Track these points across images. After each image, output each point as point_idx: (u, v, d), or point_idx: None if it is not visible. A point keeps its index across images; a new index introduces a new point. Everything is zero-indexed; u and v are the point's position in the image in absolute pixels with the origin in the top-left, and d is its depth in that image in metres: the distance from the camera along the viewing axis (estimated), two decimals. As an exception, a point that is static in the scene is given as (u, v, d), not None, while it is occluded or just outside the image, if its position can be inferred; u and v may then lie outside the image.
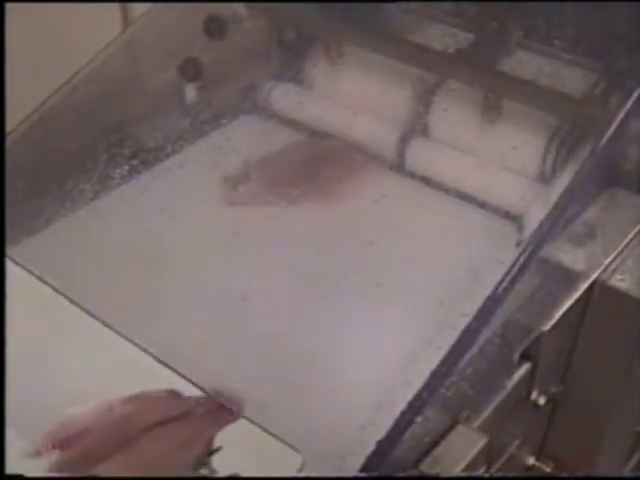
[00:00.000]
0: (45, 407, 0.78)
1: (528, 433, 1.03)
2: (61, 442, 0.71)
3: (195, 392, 0.78)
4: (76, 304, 0.86)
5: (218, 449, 0.72)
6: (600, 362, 1.01)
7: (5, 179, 0.89)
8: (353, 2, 1.13)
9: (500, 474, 0.96)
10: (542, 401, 0.98)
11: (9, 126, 1.01)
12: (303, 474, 0.71)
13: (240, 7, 1.16)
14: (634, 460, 1.28)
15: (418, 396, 0.73)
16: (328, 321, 0.88)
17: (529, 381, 0.94)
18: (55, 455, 0.70)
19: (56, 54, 1.28)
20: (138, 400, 0.75)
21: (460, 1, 1.14)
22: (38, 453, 0.70)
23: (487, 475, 0.88)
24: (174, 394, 0.76)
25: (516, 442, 1.00)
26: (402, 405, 0.72)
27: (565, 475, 1.10)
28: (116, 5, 1.45)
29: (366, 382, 0.82)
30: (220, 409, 0.76)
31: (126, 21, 1.46)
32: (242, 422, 0.76)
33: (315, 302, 0.90)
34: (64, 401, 0.78)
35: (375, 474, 0.70)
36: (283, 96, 1.17)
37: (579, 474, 1.10)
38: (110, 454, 0.69)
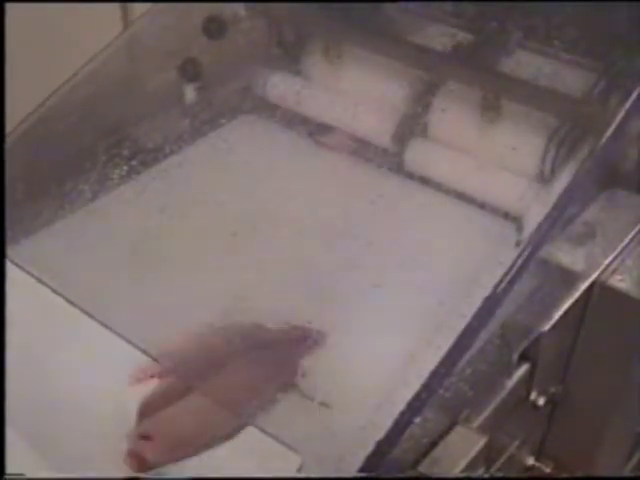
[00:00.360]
0: (44, 407, 0.78)
1: (527, 434, 1.03)
2: (159, 371, 0.77)
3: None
4: (75, 305, 0.86)
5: (305, 374, 0.79)
6: (600, 362, 1.01)
7: (5, 181, 0.89)
8: (353, 2, 1.13)
9: (499, 475, 0.96)
10: (541, 401, 0.98)
11: (8, 127, 1.01)
12: (302, 475, 0.71)
13: (239, 7, 1.16)
14: (634, 460, 1.28)
15: (417, 396, 0.73)
16: (328, 322, 0.88)
17: (528, 381, 0.94)
18: (154, 383, 0.76)
19: (56, 54, 1.29)
20: (227, 330, 0.82)
21: (460, 0, 1.14)
22: (138, 380, 0.77)
23: (487, 475, 0.88)
24: (260, 325, 0.83)
25: (515, 442, 1.00)
26: (401, 405, 0.72)
27: (565, 475, 1.10)
28: (116, 5, 1.45)
29: (365, 382, 0.82)
30: (306, 338, 0.83)
31: (126, 21, 1.46)
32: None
33: (314, 302, 0.90)
34: (62, 401, 0.79)
35: (375, 474, 0.70)
36: (282, 98, 1.17)
37: (579, 474, 1.10)
38: (206, 379, 0.76)
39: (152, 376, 0.76)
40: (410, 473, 0.78)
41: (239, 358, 0.79)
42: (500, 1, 1.09)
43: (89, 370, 0.82)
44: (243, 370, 0.79)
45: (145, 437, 0.73)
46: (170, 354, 0.79)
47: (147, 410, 0.74)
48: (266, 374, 0.79)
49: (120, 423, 0.77)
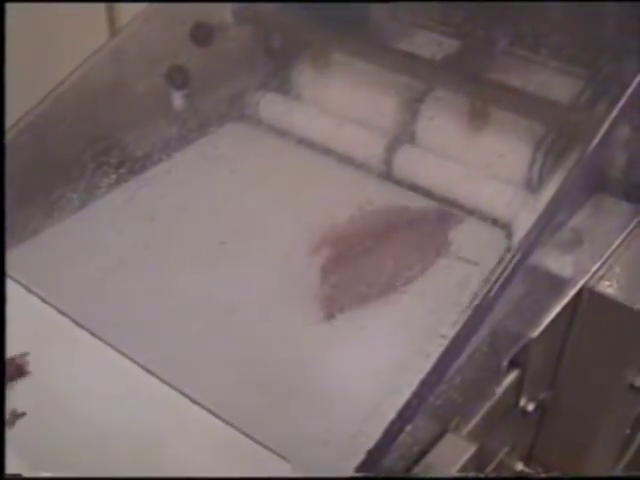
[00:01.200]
0: (34, 421, 0.78)
1: (517, 439, 1.03)
2: (331, 242, 0.96)
3: (181, 400, 0.78)
4: (64, 314, 0.86)
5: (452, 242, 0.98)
6: (588, 368, 1.02)
7: (5, 189, 0.88)
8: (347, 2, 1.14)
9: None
10: (531, 407, 0.98)
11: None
12: (298, 475, 0.71)
13: (227, 15, 1.15)
14: (623, 463, 1.29)
15: (408, 405, 0.73)
16: (316, 331, 0.89)
17: (518, 388, 0.94)
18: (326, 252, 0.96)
19: (42, 62, 1.28)
20: (383, 211, 1.01)
21: (449, 0, 1.14)
22: (314, 253, 0.95)
23: (482, 475, 0.88)
24: (405, 207, 1.03)
25: (505, 449, 1.00)
26: (392, 414, 0.72)
27: (559, 475, 1.11)
28: (103, 13, 1.44)
29: (356, 391, 0.82)
30: (446, 215, 1.01)
31: (112, 28, 1.45)
32: (231, 431, 0.76)
33: (303, 312, 0.90)
34: (52, 413, 0.79)
35: (372, 474, 0.70)
36: (271, 105, 1.17)
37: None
38: (372, 249, 0.95)
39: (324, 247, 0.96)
40: (401, 479, 0.78)
41: (394, 233, 0.99)
42: (490, 0, 1.09)
43: (77, 379, 0.82)
44: (400, 242, 0.98)
45: (335, 286, 0.92)
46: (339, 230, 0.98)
47: (330, 269, 0.94)
48: (419, 244, 0.98)
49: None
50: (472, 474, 0.82)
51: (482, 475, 0.89)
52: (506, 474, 1.04)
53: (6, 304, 0.79)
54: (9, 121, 1.02)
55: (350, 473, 0.70)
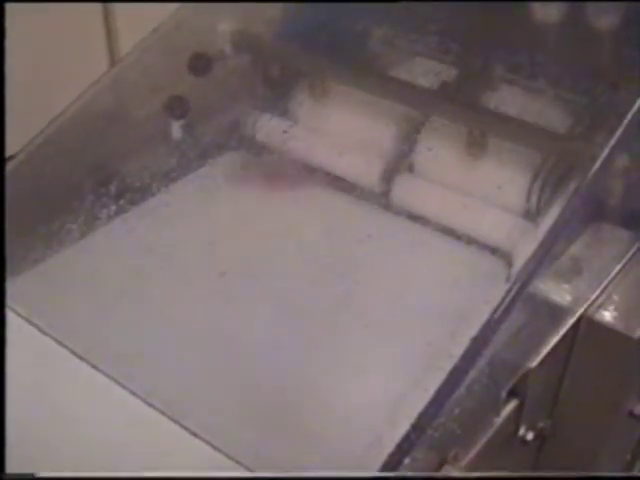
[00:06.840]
0: (30, 450, 0.78)
1: (516, 469, 1.03)
2: None
3: (182, 433, 0.78)
4: (63, 345, 0.86)
5: None
6: (587, 397, 1.01)
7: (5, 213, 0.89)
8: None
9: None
10: (530, 437, 0.97)
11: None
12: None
13: (225, 45, 1.16)
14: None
15: (406, 437, 0.73)
16: (315, 363, 0.88)
17: (517, 417, 0.94)
18: None
19: (42, 93, 1.29)
20: None
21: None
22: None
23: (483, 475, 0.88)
24: None
25: (505, 478, 1.00)
26: (391, 446, 0.72)
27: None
28: (102, 43, 1.45)
29: (354, 424, 0.82)
30: None
31: (112, 59, 1.46)
32: (230, 464, 0.75)
33: (302, 344, 0.90)
34: (51, 445, 0.79)
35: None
36: (269, 135, 1.17)
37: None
38: None
39: None
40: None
41: None
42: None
43: (74, 412, 0.82)
44: None
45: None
46: None
47: None
48: None
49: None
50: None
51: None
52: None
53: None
54: (9, 152, 1.03)
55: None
